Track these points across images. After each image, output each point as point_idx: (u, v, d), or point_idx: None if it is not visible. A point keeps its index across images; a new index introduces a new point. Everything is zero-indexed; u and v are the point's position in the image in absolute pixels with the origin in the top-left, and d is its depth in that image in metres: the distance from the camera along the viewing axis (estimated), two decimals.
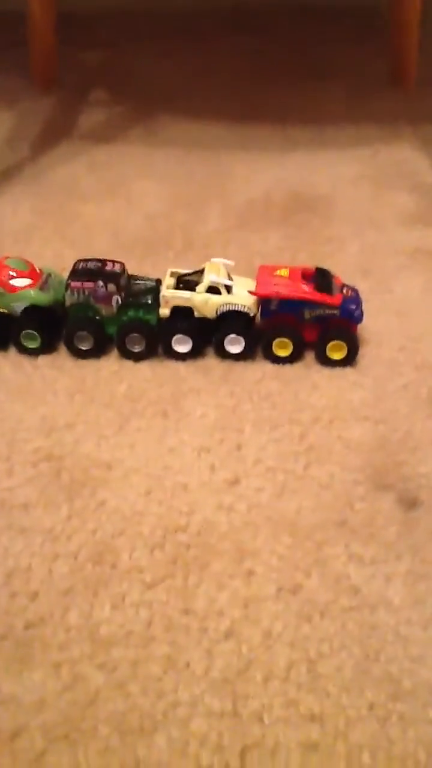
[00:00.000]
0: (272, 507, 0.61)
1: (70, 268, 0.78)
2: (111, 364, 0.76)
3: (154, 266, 0.91)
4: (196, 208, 1.05)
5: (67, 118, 1.34)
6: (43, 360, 0.77)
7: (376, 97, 1.42)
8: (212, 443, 0.67)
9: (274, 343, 0.75)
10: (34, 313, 0.76)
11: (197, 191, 1.09)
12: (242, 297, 0.76)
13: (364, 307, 0.81)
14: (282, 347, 0.76)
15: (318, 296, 0.75)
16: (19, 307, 0.76)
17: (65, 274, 0.79)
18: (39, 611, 0.54)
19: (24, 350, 0.77)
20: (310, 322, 0.76)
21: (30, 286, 0.76)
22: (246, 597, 0.55)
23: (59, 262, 0.92)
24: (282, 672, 0.50)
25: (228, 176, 1.13)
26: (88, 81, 1.52)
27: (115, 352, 0.77)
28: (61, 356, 0.77)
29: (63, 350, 0.78)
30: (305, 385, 0.74)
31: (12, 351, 0.78)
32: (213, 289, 0.76)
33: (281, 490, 0.63)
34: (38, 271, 0.78)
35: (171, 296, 0.76)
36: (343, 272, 0.88)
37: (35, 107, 1.38)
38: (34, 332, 0.76)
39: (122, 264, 0.79)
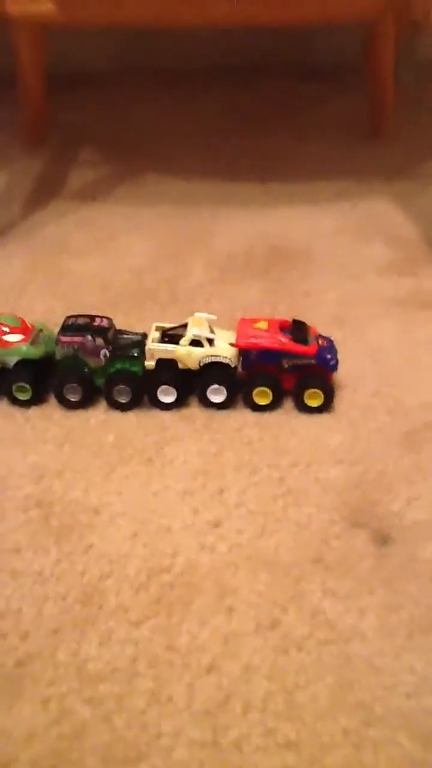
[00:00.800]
0: (252, 547, 0.64)
1: (61, 323, 0.82)
2: (99, 414, 0.80)
3: (140, 319, 0.95)
4: (180, 263, 1.09)
5: (57, 177, 1.40)
6: (33, 411, 0.80)
7: (354, 153, 1.48)
8: (195, 488, 0.71)
9: (255, 392, 0.79)
10: (25, 367, 0.80)
11: (181, 246, 1.14)
12: (224, 349, 0.80)
13: (340, 354, 0.85)
14: (262, 396, 0.79)
15: (295, 347, 0.79)
16: (11, 360, 0.80)
17: (55, 329, 0.83)
18: (29, 650, 0.56)
19: (15, 401, 0.80)
20: (288, 371, 0.80)
21: (22, 341, 0.80)
22: (226, 633, 0.57)
23: (50, 316, 0.96)
24: (260, 703, 0.53)
25: (211, 231, 1.18)
26: (77, 140, 1.59)
27: (103, 403, 0.81)
28: (51, 407, 0.81)
29: (53, 401, 0.81)
30: (284, 430, 0.78)
31: (4, 402, 0.81)
32: (196, 342, 0.80)
33: (261, 531, 0.66)
34: (30, 326, 0.82)
35: (156, 349, 0.80)
36: (321, 322, 0.93)
37: (26, 166, 1.44)
38: (26, 385, 0.80)
39: (110, 319, 0.83)
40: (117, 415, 0.80)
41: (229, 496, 0.70)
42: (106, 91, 1.91)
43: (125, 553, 0.64)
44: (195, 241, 1.16)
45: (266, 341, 0.79)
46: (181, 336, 0.81)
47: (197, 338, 0.80)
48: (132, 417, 0.80)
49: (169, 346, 0.80)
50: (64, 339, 0.80)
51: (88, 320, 0.82)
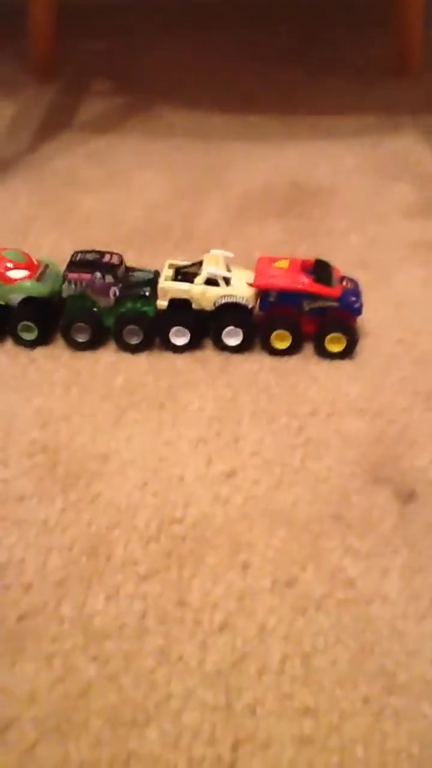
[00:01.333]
0: (269, 500, 0.61)
1: (68, 259, 0.78)
2: (108, 355, 0.76)
3: (153, 257, 0.90)
4: (195, 199, 1.04)
5: (66, 109, 1.34)
6: (39, 352, 0.76)
7: (378, 87, 1.41)
8: (209, 435, 0.67)
9: (273, 336, 0.75)
10: (31, 305, 0.76)
11: (197, 182, 1.09)
12: (241, 289, 0.76)
13: (364, 299, 0.81)
14: (281, 339, 0.75)
15: (317, 288, 0.74)
16: (16, 298, 0.76)
17: (63, 266, 0.79)
18: (32, 603, 0.53)
19: (21, 342, 0.77)
20: (309, 315, 0.75)
21: (27, 277, 0.76)
22: (241, 590, 0.54)
23: (57, 253, 0.91)
24: (276, 665, 0.50)
25: (228, 167, 1.13)
26: (88, 71, 1.52)
27: (112, 344, 0.77)
28: (58, 348, 0.77)
29: (60, 342, 0.77)
30: (303, 377, 0.74)
31: (8, 342, 0.77)
32: (211, 281, 0.75)
33: (278, 483, 0.62)
34: (36, 262, 0.78)
35: (169, 288, 0.75)
36: (343, 264, 0.88)
37: (35, 98, 1.38)
38: (31, 324, 0.76)
39: (120, 255, 0.78)
40: (127, 357, 0.76)
41: (244, 444, 0.66)
42: (119, 21, 1.82)
43: (134, 503, 0.61)
44: (211, 176, 1.10)
45: (286, 281, 0.75)
46: (195, 274, 0.77)
47: (213, 277, 0.75)
48: (143, 359, 0.76)
49: (183, 285, 0.75)
50: (71, 275, 0.75)
51: (97, 256, 0.77)
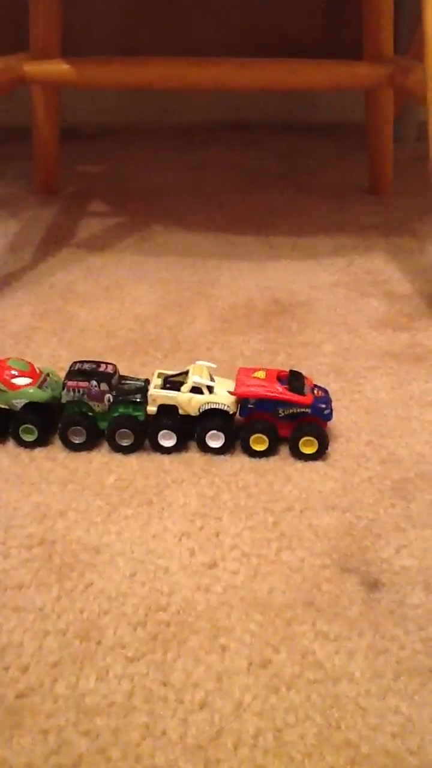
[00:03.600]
0: (246, 588, 0.67)
1: (67, 368, 0.85)
2: (102, 456, 0.83)
3: (143, 366, 0.99)
4: (183, 312, 1.13)
5: (66, 227, 1.45)
6: (39, 452, 0.83)
7: (353, 209, 1.54)
8: (193, 530, 0.73)
9: (252, 439, 0.82)
10: (32, 409, 0.83)
11: (185, 296, 1.18)
12: (223, 396, 0.83)
13: (335, 405, 0.89)
14: (259, 442, 0.82)
15: (291, 396, 0.82)
16: (19, 403, 0.83)
17: (62, 374, 0.87)
18: (29, 682, 0.58)
19: (22, 443, 0.83)
20: (284, 420, 0.83)
21: (30, 384, 0.83)
22: (219, 671, 0.60)
23: (56, 361, 1.00)
24: (250, 739, 0.55)
25: (214, 283, 1.23)
26: (87, 192, 1.64)
27: (105, 445, 0.84)
28: (56, 448, 0.84)
29: (58, 443, 0.84)
30: (279, 477, 0.80)
31: (10, 443, 0.84)
32: (196, 389, 0.83)
33: (255, 573, 0.68)
34: (37, 371, 0.86)
35: (157, 395, 0.83)
36: (318, 372, 0.96)
37: (37, 215, 1.49)
38: (32, 427, 0.83)
39: (114, 365, 0.86)
40: (119, 458, 0.83)
41: (224, 538, 0.72)
42: (115, 145, 1.98)
43: (124, 592, 0.66)
44: (198, 291, 1.20)
45: (264, 390, 0.83)
46: (182, 383, 0.85)
47: (198, 385, 0.83)
48: (133, 460, 0.82)
49: (171, 393, 0.83)
50: (70, 383, 0.83)
51: (93, 366, 0.85)
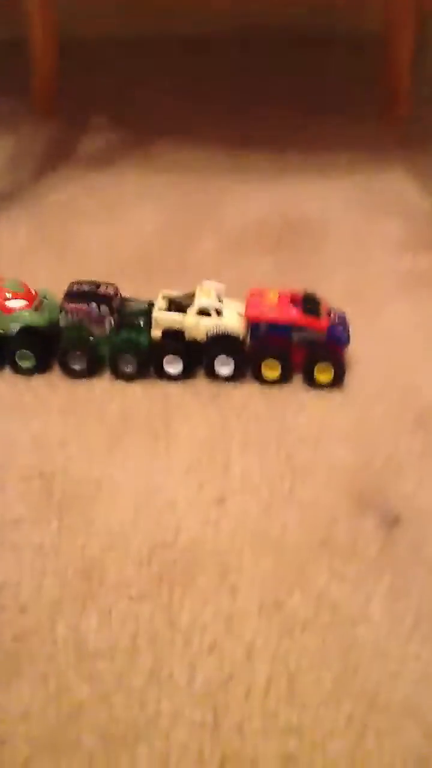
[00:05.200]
0: (257, 525, 0.63)
1: (66, 289, 0.80)
2: (103, 384, 0.78)
3: (148, 289, 0.93)
4: (190, 232, 1.07)
5: (66, 144, 1.37)
6: (37, 379, 0.79)
7: (369, 126, 1.45)
8: (200, 462, 0.69)
9: (263, 365, 0.77)
10: (29, 334, 0.78)
11: (192, 215, 1.12)
12: (232, 320, 0.78)
13: (352, 331, 0.83)
14: (270, 369, 0.78)
15: (305, 320, 0.77)
16: (14, 327, 0.78)
17: (60, 296, 0.81)
18: (27, 624, 0.55)
19: (18, 370, 0.79)
20: (298, 345, 0.78)
21: (25, 307, 0.78)
22: (229, 613, 0.56)
23: (55, 284, 0.93)
24: (262, 685, 0.52)
25: (222, 201, 1.16)
26: (88, 108, 1.55)
27: (107, 373, 0.79)
28: (55, 376, 0.79)
29: (57, 370, 0.79)
30: (292, 406, 0.76)
31: (6, 370, 0.79)
32: (203, 312, 0.78)
33: (266, 510, 0.64)
34: (33, 292, 0.80)
35: (162, 318, 0.78)
36: (332, 297, 0.90)
37: (36, 132, 1.41)
38: (29, 352, 0.78)
39: (115, 286, 0.81)
40: (122, 386, 0.78)
41: (233, 471, 0.68)
42: (117, 57, 1.87)
43: (127, 528, 0.62)
44: (206, 210, 1.13)
45: (276, 313, 0.77)
46: (188, 305, 0.79)
47: (205, 308, 0.78)
48: (137, 388, 0.78)
49: (176, 316, 0.78)
50: (68, 306, 0.78)
51: (93, 287, 0.80)
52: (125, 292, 0.83)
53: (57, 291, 0.85)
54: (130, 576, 0.59)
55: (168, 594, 0.57)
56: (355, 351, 0.82)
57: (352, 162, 1.29)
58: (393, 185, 1.21)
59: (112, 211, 1.13)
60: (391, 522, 0.63)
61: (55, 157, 1.31)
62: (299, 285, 0.94)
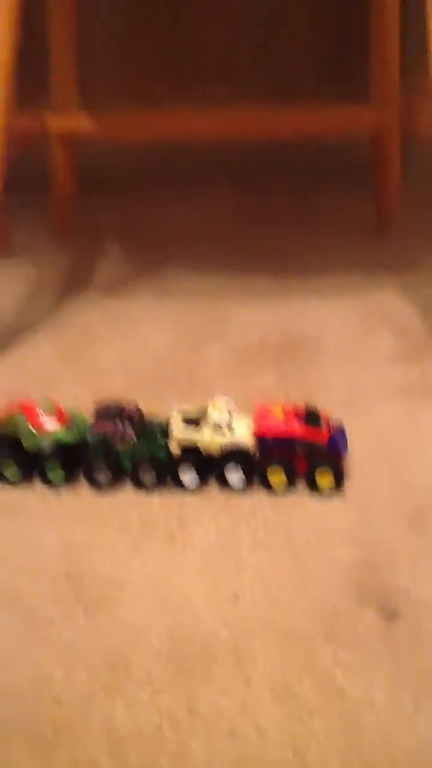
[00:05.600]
0: (267, 620, 0.69)
1: (91, 408, 0.89)
2: (125, 494, 0.86)
3: (162, 404, 1.01)
4: (198, 351, 1.16)
5: (83, 271, 1.49)
6: (64, 491, 0.86)
7: (360, 248, 1.57)
8: (214, 564, 0.76)
9: (270, 474, 0.85)
10: (59, 450, 0.86)
11: (199, 335, 1.22)
12: (243, 435, 0.86)
13: (349, 437, 0.91)
14: (277, 477, 0.85)
15: (308, 434, 0.85)
16: (47, 445, 0.86)
17: (84, 413, 0.90)
18: (62, 714, 0.61)
19: (48, 482, 0.86)
20: (301, 455, 0.85)
21: (58, 426, 0.86)
22: (244, 700, 0.62)
23: (78, 402, 1.03)
24: (276, 765, 0.57)
25: (227, 322, 1.26)
26: (101, 238, 1.69)
27: (128, 484, 0.87)
28: (81, 487, 0.87)
29: (82, 481, 0.87)
30: (297, 510, 0.83)
31: (37, 482, 0.87)
32: (216, 428, 0.86)
33: (275, 605, 0.71)
34: (64, 412, 0.89)
35: (180, 438, 0.86)
36: (331, 406, 0.99)
37: (54, 260, 1.54)
38: (59, 466, 0.86)
39: (137, 406, 0.89)
40: (142, 495, 0.85)
41: (244, 571, 0.75)
42: (123, 188, 2.03)
43: (148, 625, 0.69)
44: (212, 331, 1.23)
45: (282, 428, 0.85)
46: (201, 419, 0.87)
47: (218, 425, 0.86)
48: (155, 497, 0.85)
49: (192, 433, 0.86)
50: (96, 424, 0.86)
51: (118, 407, 0.88)
52: (141, 407, 0.92)
53: (80, 407, 0.93)
54: (152, 669, 0.64)
55: (188, 684, 0.63)
56: (353, 456, 0.90)
57: (345, 283, 1.40)
58: (384, 304, 1.31)
59: (126, 334, 1.23)
60: (391, 614, 0.69)
61: (74, 284, 1.43)
62: (300, 396, 1.03)
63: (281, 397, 1.04)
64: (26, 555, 0.77)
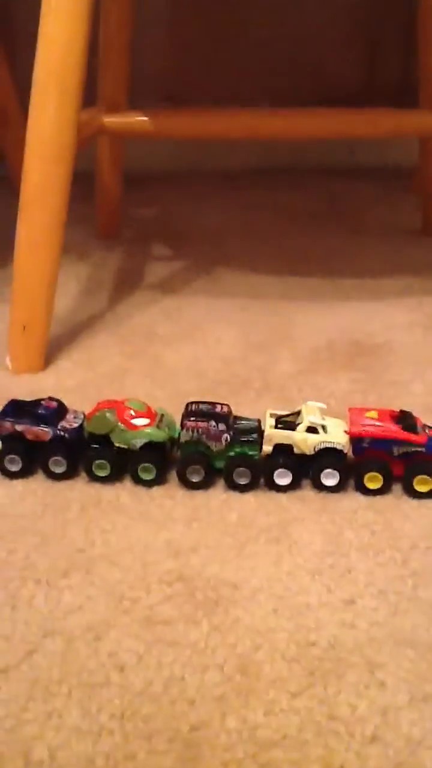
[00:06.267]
0: (390, 625, 0.68)
1: (184, 408, 0.88)
2: (219, 494, 0.85)
3: (237, 405, 1.01)
4: (267, 353, 1.16)
5: (133, 270, 1.49)
6: (156, 490, 0.85)
7: (410, 250, 1.57)
8: (324, 567, 0.75)
9: (366, 477, 0.84)
10: (150, 449, 0.85)
11: (265, 337, 1.21)
12: (337, 435, 0.85)
13: None
14: (373, 480, 0.84)
15: (407, 436, 0.84)
16: (138, 442, 0.85)
17: (171, 414, 0.89)
18: (199, 716, 0.60)
19: (139, 481, 0.85)
20: (397, 458, 0.85)
21: (148, 424, 0.85)
22: (383, 705, 0.61)
23: (153, 401, 1.02)
24: None
25: (291, 324, 1.25)
26: (147, 236, 1.68)
27: (220, 484, 0.86)
28: (172, 487, 0.86)
29: (172, 481, 0.86)
30: (397, 514, 0.82)
31: (127, 482, 0.86)
32: (311, 429, 0.85)
33: (395, 610, 0.70)
34: (153, 411, 0.88)
35: (274, 435, 0.85)
36: (412, 411, 0.98)
37: (104, 260, 1.53)
38: (151, 465, 0.85)
39: (228, 406, 0.88)
40: (236, 496, 0.84)
41: (357, 575, 0.74)
42: (164, 189, 2.03)
43: (271, 627, 0.68)
44: (277, 333, 1.22)
45: (380, 430, 0.85)
46: (293, 422, 0.87)
47: (313, 425, 0.85)
48: (250, 498, 0.84)
49: (287, 432, 0.85)
50: (189, 423, 0.85)
51: (209, 407, 0.87)
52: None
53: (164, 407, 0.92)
54: (283, 672, 0.63)
55: (323, 689, 0.62)
56: None
57: (402, 286, 1.40)
58: None
59: (190, 334, 1.22)
60: None
61: (127, 283, 1.42)
62: (378, 402, 1.02)
63: (358, 401, 1.03)
64: (132, 555, 0.76)
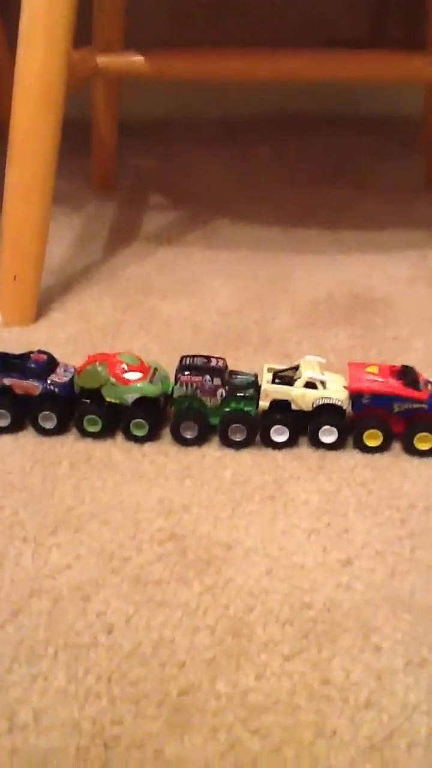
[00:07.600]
0: (387, 587, 0.66)
1: (177, 362, 0.85)
2: (213, 451, 0.82)
3: (234, 360, 0.98)
4: (265, 306, 1.13)
5: (129, 220, 1.44)
6: (149, 446, 0.82)
7: (414, 204, 1.53)
8: (320, 526, 0.73)
9: (365, 434, 0.82)
10: (143, 404, 0.82)
11: (264, 290, 1.17)
12: (336, 391, 0.83)
13: None
14: (372, 438, 0.82)
15: (408, 392, 0.81)
16: (130, 398, 0.82)
17: (165, 367, 0.86)
18: (189, 679, 0.58)
19: (132, 437, 0.83)
20: (398, 415, 0.82)
21: (141, 379, 0.83)
22: (378, 669, 0.59)
23: (147, 354, 0.99)
24: (424, 739, 0.54)
25: (290, 277, 1.22)
26: (144, 186, 1.63)
27: (215, 441, 0.83)
28: (166, 443, 0.83)
29: (166, 438, 0.84)
30: (396, 473, 0.80)
31: (119, 438, 0.83)
32: (310, 384, 0.82)
33: (392, 572, 0.68)
34: (147, 365, 0.85)
35: (271, 390, 0.82)
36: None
37: (99, 209, 1.48)
38: (144, 421, 0.82)
39: (224, 360, 0.85)
40: (231, 453, 0.82)
41: (354, 535, 0.72)
42: (163, 138, 1.97)
43: (265, 588, 0.66)
44: (276, 286, 1.19)
45: (380, 385, 0.82)
46: (292, 377, 0.84)
47: (312, 380, 0.82)
48: (246, 455, 0.82)
49: (285, 388, 0.82)
50: (183, 378, 0.82)
51: (204, 361, 0.84)
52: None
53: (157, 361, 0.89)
54: (276, 635, 0.62)
55: (317, 652, 0.60)
56: None
57: (406, 240, 1.36)
58: None
59: (186, 286, 1.18)
60: None
61: (123, 234, 1.38)
62: (379, 357, 1.00)
63: (359, 357, 1.00)
64: (123, 513, 0.73)
